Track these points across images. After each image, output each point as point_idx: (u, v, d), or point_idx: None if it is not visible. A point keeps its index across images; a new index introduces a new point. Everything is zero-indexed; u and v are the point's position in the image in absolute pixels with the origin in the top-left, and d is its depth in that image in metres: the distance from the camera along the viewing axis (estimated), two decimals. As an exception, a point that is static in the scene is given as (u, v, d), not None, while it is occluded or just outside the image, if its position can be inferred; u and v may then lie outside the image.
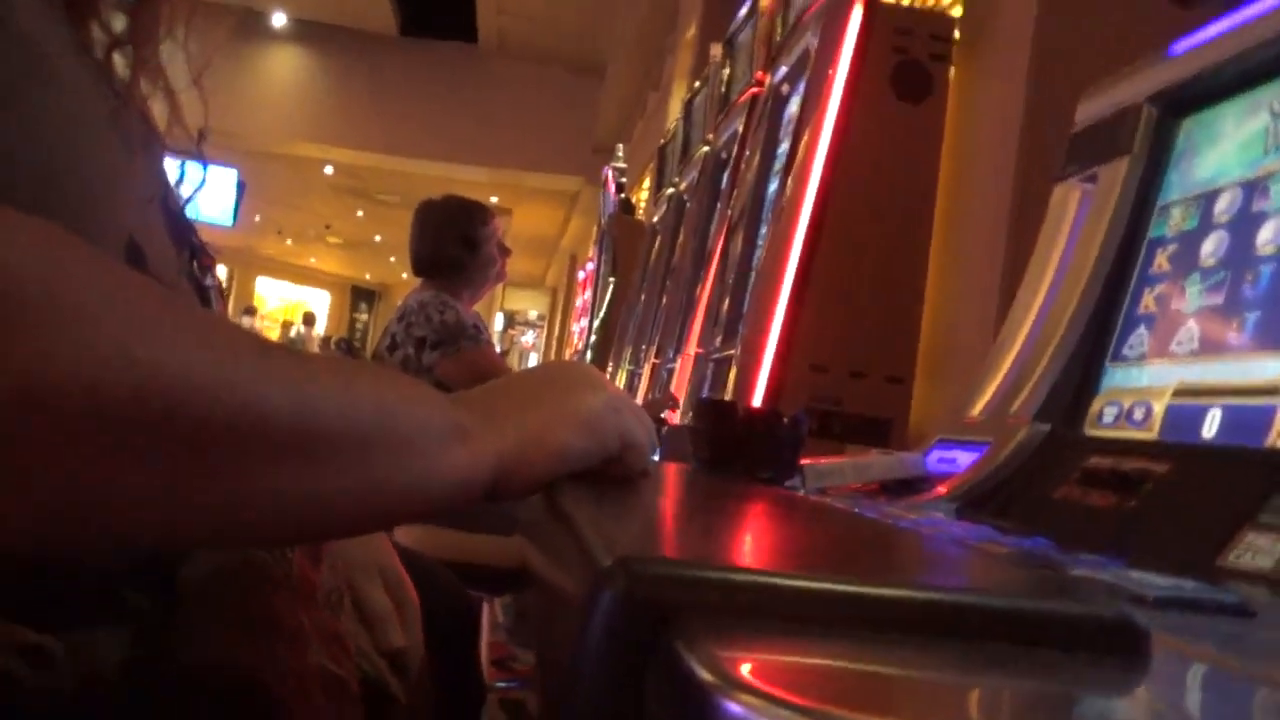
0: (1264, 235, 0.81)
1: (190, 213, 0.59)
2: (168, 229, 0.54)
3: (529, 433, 0.50)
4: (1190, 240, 0.89)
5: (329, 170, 12.18)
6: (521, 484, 0.49)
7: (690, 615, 0.28)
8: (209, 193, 0.62)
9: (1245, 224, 0.83)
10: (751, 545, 0.44)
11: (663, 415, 2.37)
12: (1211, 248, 0.86)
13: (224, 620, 0.49)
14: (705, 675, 0.24)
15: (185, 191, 0.61)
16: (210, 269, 0.60)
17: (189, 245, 0.57)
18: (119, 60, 0.53)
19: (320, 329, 17.17)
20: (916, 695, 0.25)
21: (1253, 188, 0.84)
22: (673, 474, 0.80)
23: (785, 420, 0.92)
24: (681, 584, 0.29)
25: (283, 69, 10.55)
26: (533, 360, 14.53)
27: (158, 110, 0.57)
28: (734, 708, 0.22)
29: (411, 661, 0.67)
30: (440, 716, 0.73)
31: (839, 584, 0.30)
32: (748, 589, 0.30)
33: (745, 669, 0.24)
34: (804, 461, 0.95)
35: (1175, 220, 0.93)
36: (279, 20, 10.23)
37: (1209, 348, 0.83)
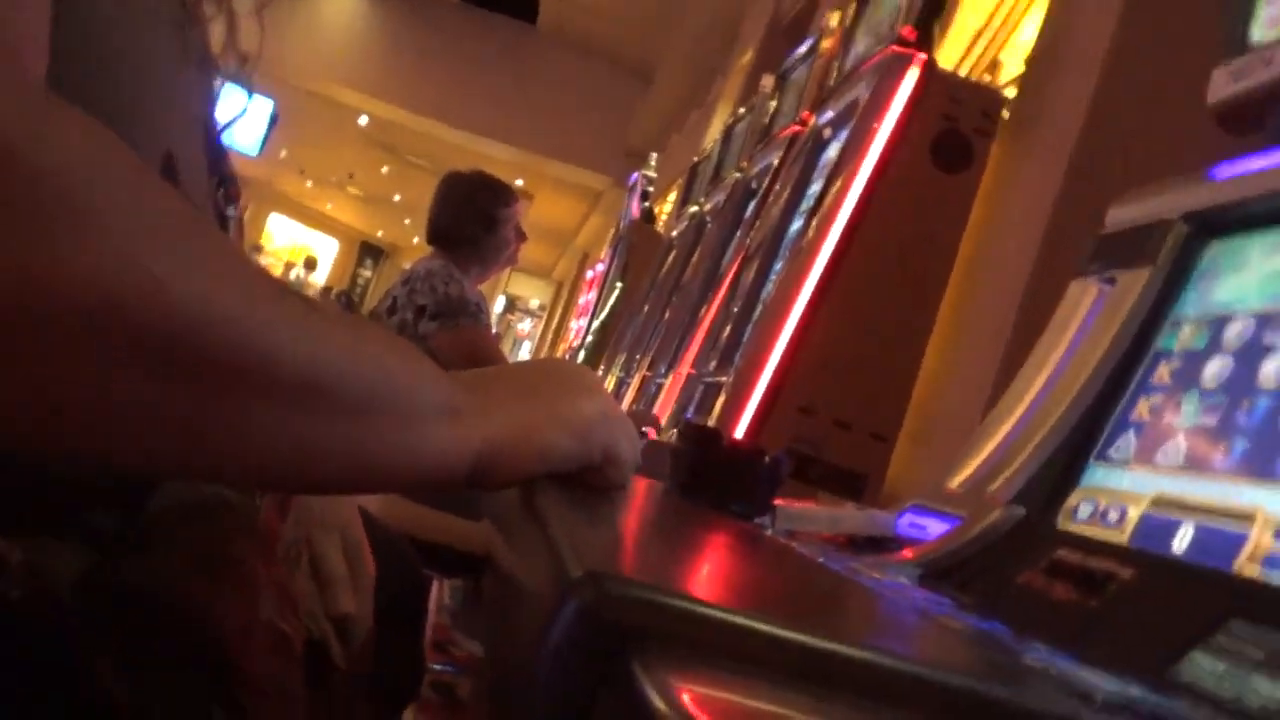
0: (1268, 368, 0.81)
1: (224, 139, 0.60)
2: (205, 152, 0.54)
3: (519, 426, 0.50)
4: (1195, 359, 0.90)
5: (363, 120, 12.16)
6: (503, 475, 0.49)
7: (651, 640, 0.28)
8: (242, 119, 0.63)
9: (1253, 354, 0.84)
10: (719, 579, 0.45)
11: (644, 430, 2.37)
12: (1215, 370, 0.87)
13: (183, 554, 0.49)
14: (658, 703, 0.24)
15: (224, 117, 0.61)
16: (235, 199, 0.60)
17: (219, 172, 0.57)
18: None
19: (322, 277, 17.14)
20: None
21: (1267, 320, 0.85)
22: (649, 494, 0.80)
23: (767, 459, 0.92)
24: (648, 608, 0.29)
25: (340, 10, 10.55)
26: (525, 349, 14.51)
27: (216, 32, 0.57)
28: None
29: (358, 629, 0.66)
30: (378, 688, 0.73)
31: (800, 634, 0.30)
32: (711, 624, 0.30)
33: (697, 703, 0.25)
34: (777, 502, 0.95)
35: (1185, 336, 0.94)
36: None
37: (1194, 465, 0.84)
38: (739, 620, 0.29)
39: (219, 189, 0.57)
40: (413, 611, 0.87)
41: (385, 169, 14.49)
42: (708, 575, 0.45)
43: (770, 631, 0.29)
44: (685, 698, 0.25)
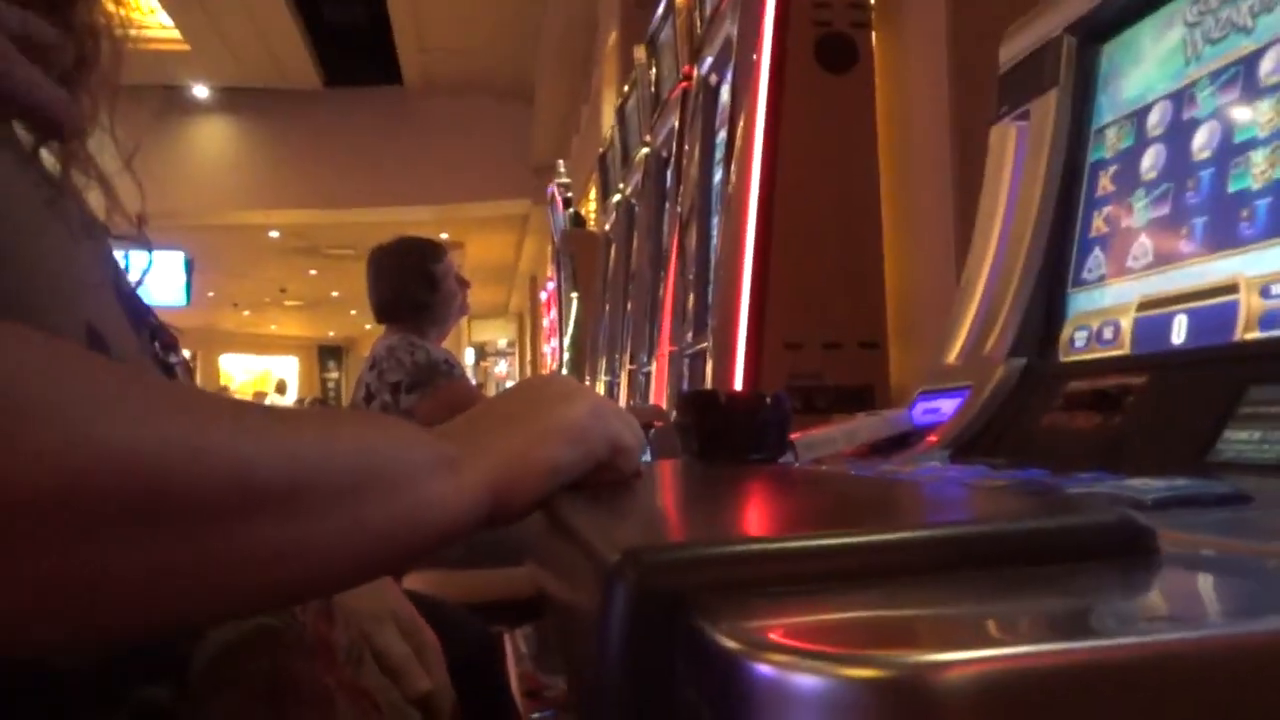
0: (1198, 141, 0.82)
1: (143, 297, 0.59)
2: (125, 313, 0.53)
3: (516, 453, 0.49)
4: (1129, 159, 0.91)
5: (274, 234, 12.09)
6: (518, 505, 0.49)
7: (706, 594, 0.28)
8: (159, 276, 0.62)
9: (1178, 134, 0.85)
10: (754, 518, 0.45)
11: (652, 423, 2.37)
12: (1150, 162, 0.88)
13: (246, 696, 0.48)
14: (733, 645, 0.24)
15: (134, 276, 0.60)
16: (173, 347, 0.59)
17: (148, 327, 0.57)
18: (47, 156, 0.52)
19: (293, 394, 17.03)
20: (941, 628, 0.25)
21: (1180, 98, 0.86)
22: (666, 469, 0.80)
23: (768, 400, 0.92)
24: (692, 565, 0.29)
25: (213, 141, 10.47)
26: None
27: (95, 200, 0.56)
28: (768, 670, 0.23)
29: (442, 703, 0.66)
30: None
31: (847, 537, 0.30)
32: (757, 558, 0.30)
33: (771, 633, 0.25)
34: (793, 437, 0.95)
35: (1111, 142, 0.94)
36: (201, 93, 10.15)
37: (1164, 258, 0.84)
38: (779, 545, 0.30)
39: (153, 342, 0.56)
40: (490, 669, 0.87)
41: (313, 271, 14.40)
42: (742, 518, 0.45)
43: (812, 544, 0.29)
44: (757, 632, 0.24)
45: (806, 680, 0.22)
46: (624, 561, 0.29)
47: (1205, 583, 0.28)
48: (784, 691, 0.22)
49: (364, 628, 0.65)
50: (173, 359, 0.57)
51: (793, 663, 0.22)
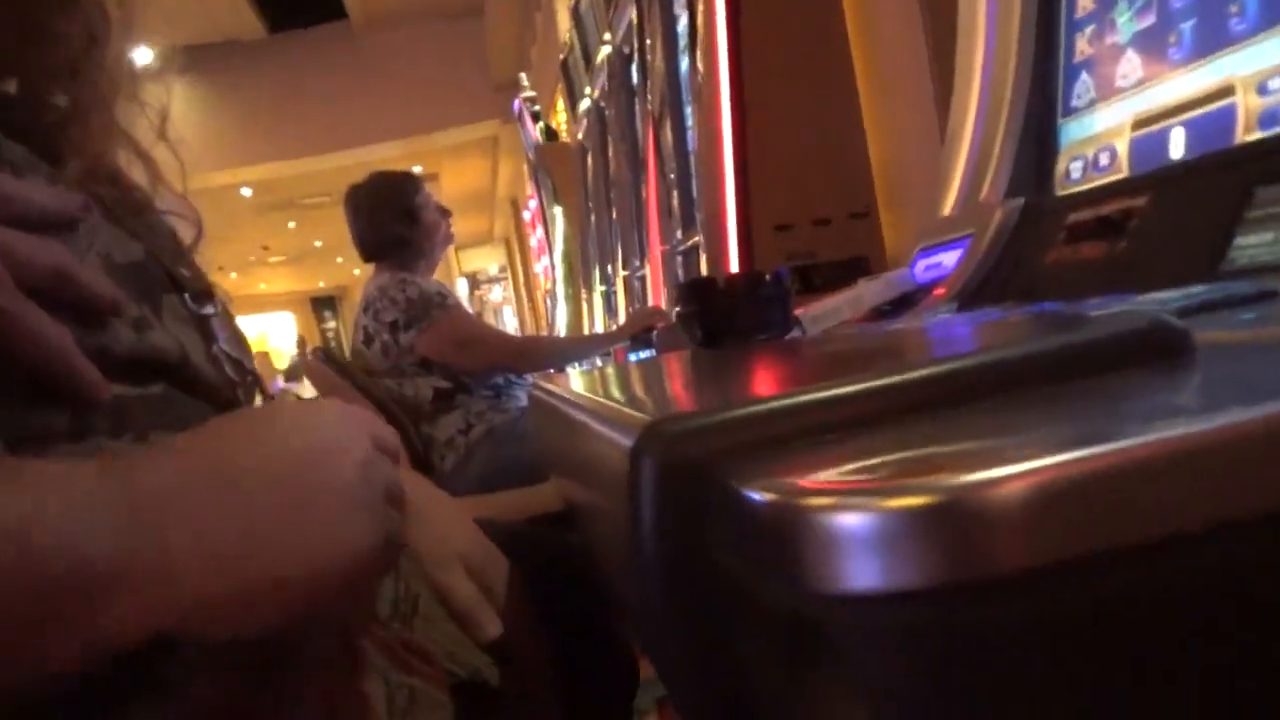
0: (1179, -59, 0.78)
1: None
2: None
3: (253, 572, 0.34)
4: (1108, -28, 0.87)
5: (246, 192, 11.88)
6: (252, 624, 0.35)
7: (733, 458, 0.27)
8: None
9: (1157, -64, 0.81)
10: (771, 383, 0.44)
11: (652, 323, 2.36)
12: (1131, -28, 0.84)
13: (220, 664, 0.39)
14: (771, 497, 0.23)
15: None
16: (206, 297, 0.54)
17: (175, 284, 0.51)
18: None
19: (293, 350, 17.01)
20: (983, 450, 0.24)
21: (1155, -101, 0.81)
22: (674, 360, 0.79)
23: (767, 278, 0.90)
24: (716, 430, 0.28)
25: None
26: (508, 314, 14.40)
27: (139, 175, 0.54)
28: (811, 516, 0.22)
29: (519, 644, 0.59)
30: (586, 689, 0.67)
31: (870, 380, 0.29)
32: (780, 414, 0.29)
33: (807, 481, 0.24)
34: (797, 312, 0.94)
35: (1088, -43, 0.90)
36: (144, 57, 9.84)
37: (1154, 72, 0.82)
38: (808, 398, 0.28)
39: (181, 295, 0.51)
40: (593, 607, 0.72)
41: (291, 224, 14.22)
42: (760, 384, 0.44)
43: (843, 392, 0.28)
44: (795, 484, 0.24)
45: (851, 519, 0.21)
46: (647, 435, 0.28)
47: (1245, 374, 0.27)
48: (830, 534, 0.21)
49: (428, 575, 0.60)
50: (207, 310, 0.53)
51: (835, 503, 0.21)
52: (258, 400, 0.53)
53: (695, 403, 0.43)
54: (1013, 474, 0.20)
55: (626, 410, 0.35)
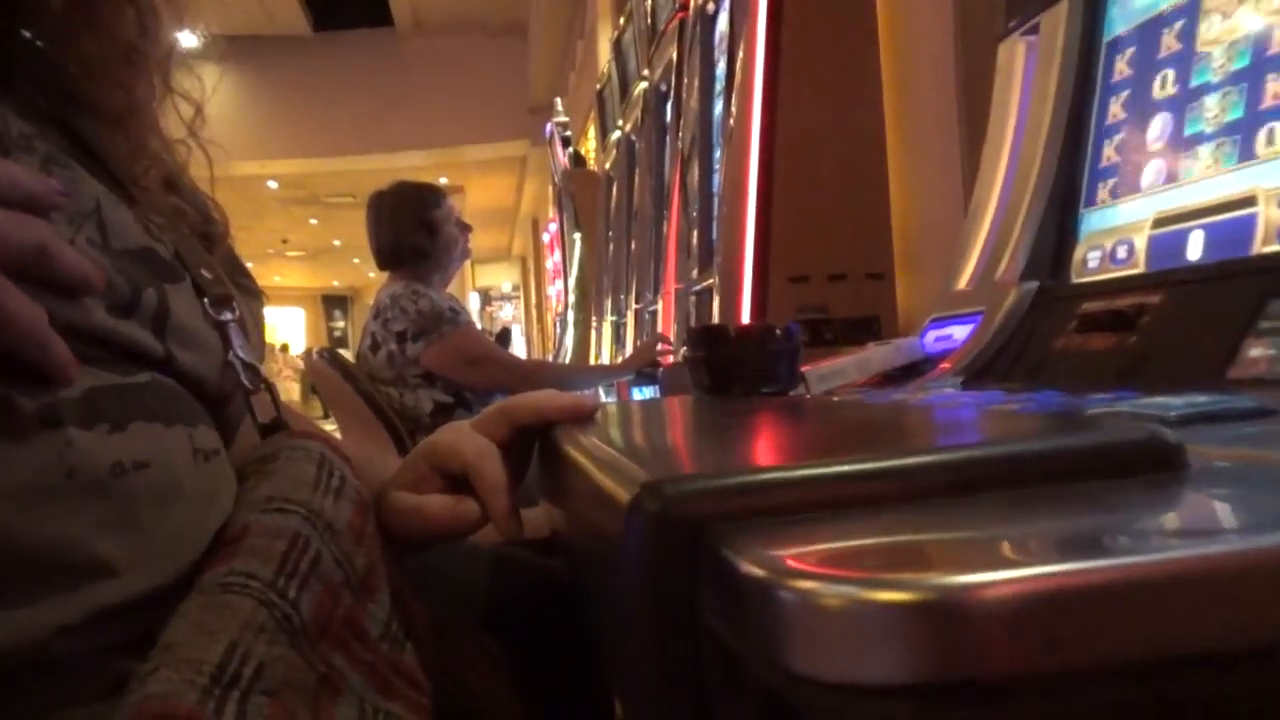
0: (1214, 52, 0.80)
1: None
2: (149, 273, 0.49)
3: None
4: (1143, 72, 0.88)
5: (273, 184, 11.99)
6: None
7: (727, 524, 0.28)
8: None
9: (1193, 47, 0.82)
10: (771, 448, 0.44)
11: (657, 360, 2.36)
12: (1164, 77, 0.86)
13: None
14: (760, 573, 0.24)
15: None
16: (225, 304, 0.53)
17: (197, 286, 0.51)
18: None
19: (299, 348, 17.03)
20: (970, 549, 0.24)
21: (1194, 7, 0.83)
22: (678, 405, 0.79)
23: (778, 331, 0.91)
24: (713, 495, 0.29)
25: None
26: (517, 332, 14.41)
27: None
28: (796, 597, 0.22)
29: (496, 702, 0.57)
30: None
31: (869, 462, 0.30)
32: (778, 485, 0.29)
33: (798, 559, 0.24)
34: (804, 368, 0.95)
35: (1124, 55, 0.92)
36: (188, 41, 9.98)
37: (1179, 173, 0.83)
38: (807, 472, 0.29)
39: (201, 299, 0.51)
40: (568, 631, 0.71)
41: (313, 220, 14.31)
42: (761, 447, 0.45)
43: (842, 470, 0.29)
44: (790, 561, 0.24)
45: (835, 605, 0.21)
46: (644, 493, 0.28)
47: (1236, 496, 0.28)
48: (813, 617, 0.21)
49: (469, 462, 0.57)
50: (225, 316, 0.52)
51: (821, 588, 0.21)
52: (268, 406, 0.53)
53: (695, 461, 0.44)
54: (998, 580, 0.21)
55: (625, 461, 0.36)
